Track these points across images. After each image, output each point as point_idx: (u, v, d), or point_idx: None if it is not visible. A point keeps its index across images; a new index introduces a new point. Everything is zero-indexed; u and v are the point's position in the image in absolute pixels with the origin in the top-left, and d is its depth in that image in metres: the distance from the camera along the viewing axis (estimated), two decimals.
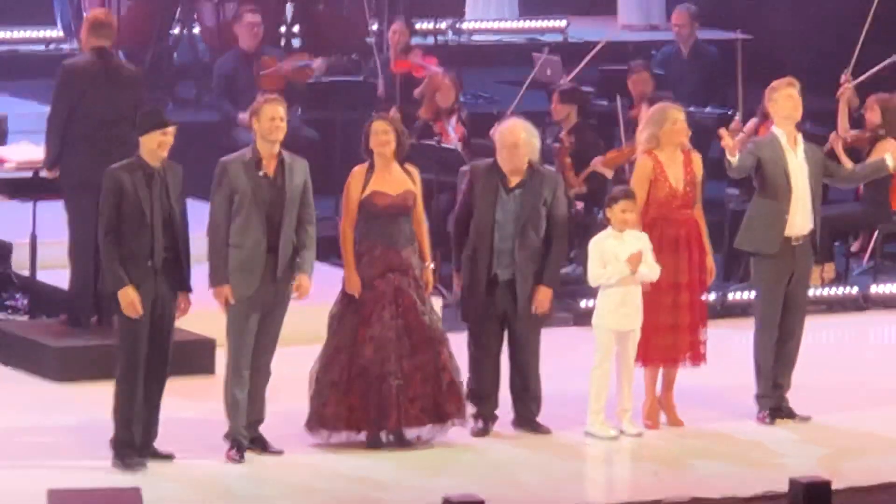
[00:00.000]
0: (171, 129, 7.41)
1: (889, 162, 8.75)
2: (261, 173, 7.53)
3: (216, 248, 7.66)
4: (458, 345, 8.36)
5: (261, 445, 7.82)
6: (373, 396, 8.01)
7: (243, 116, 10.66)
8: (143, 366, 7.55)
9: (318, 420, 7.97)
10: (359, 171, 8.02)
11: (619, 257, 8.07)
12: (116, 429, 7.55)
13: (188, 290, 7.58)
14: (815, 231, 8.59)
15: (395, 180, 7.93)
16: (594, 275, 8.16)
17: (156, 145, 7.35)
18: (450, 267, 8.65)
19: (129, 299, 7.23)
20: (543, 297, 8.08)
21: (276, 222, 7.55)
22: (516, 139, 8.22)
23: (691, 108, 10.23)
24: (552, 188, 8.23)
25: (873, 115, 11.30)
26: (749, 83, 10.79)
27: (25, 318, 9.44)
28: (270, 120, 7.49)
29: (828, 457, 8.30)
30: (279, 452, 7.84)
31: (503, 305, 8.09)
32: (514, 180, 8.14)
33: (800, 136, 8.52)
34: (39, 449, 7.96)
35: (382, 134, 7.82)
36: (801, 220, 8.38)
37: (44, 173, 9.22)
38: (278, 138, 7.54)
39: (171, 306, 7.56)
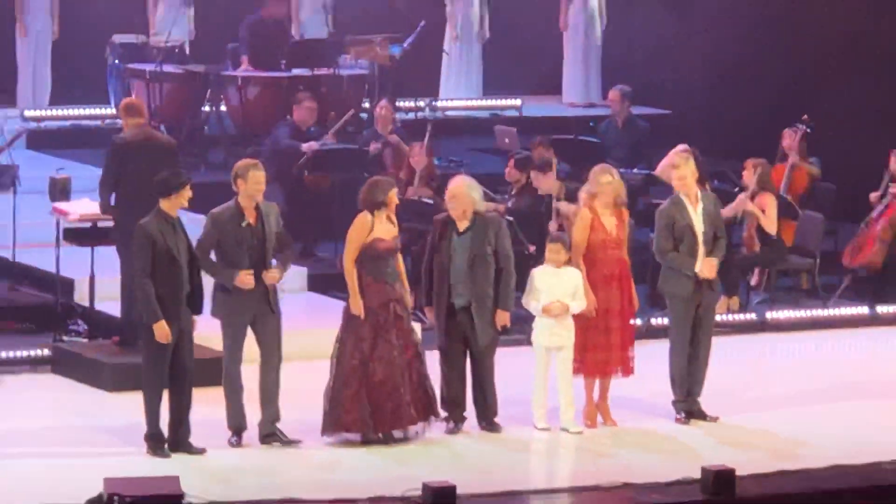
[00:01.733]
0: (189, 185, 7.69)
1: (696, 268, 8.48)
2: (244, 224, 7.70)
3: (216, 283, 7.78)
4: (432, 360, 8.33)
5: (279, 438, 7.84)
6: (388, 405, 8.10)
7: (308, 145, 10.90)
8: (169, 378, 7.60)
9: (338, 425, 8.05)
10: (366, 219, 8.12)
11: (550, 290, 8.21)
12: (148, 427, 7.66)
13: (199, 313, 7.69)
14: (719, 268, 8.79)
15: (388, 228, 8.08)
16: (525, 300, 8.30)
17: (185, 200, 7.50)
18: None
19: (164, 331, 7.36)
20: (501, 318, 8.18)
21: (259, 259, 7.69)
22: (454, 192, 8.40)
23: (622, 170, 10.22)
24: (495, 230, 8.31)
25: (748, 175, 11.09)
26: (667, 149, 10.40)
27: (85, 340, 9.40)
28: (257, 184, 7.68)
29: (733, 449, 8.28)
30: (297, 442, 7.88)
31: (463, 329, 8.17)
32: (462, 225, 8.23)
33: (700, 194, 8.52)
34: (97, 444, 8.04)
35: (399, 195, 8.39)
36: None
37: (97, 212, 9.03)
38: (259, 199, 7.71)
39: (190, 328, 7.59)
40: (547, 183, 10.51)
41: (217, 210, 7.92)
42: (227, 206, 7.87)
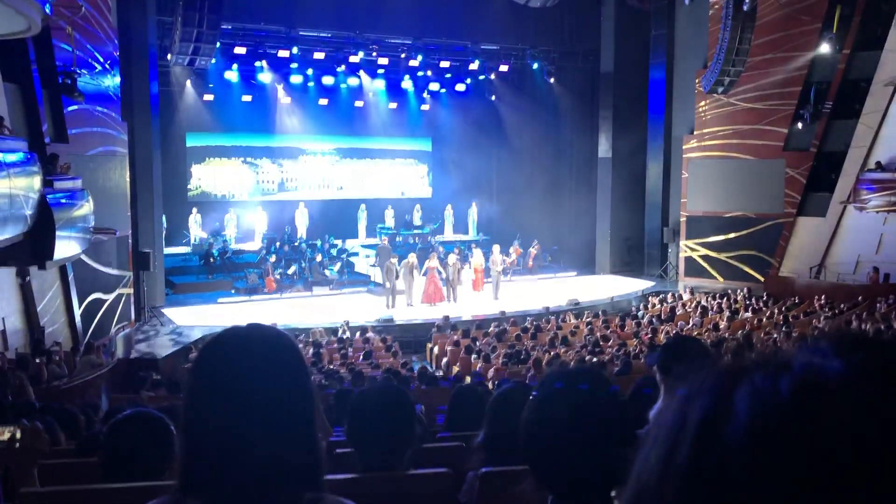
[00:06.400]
0: None
1: (498, 269, 14.26)
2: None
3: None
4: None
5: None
6: (434, 295, 14.83)
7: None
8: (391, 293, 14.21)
9: (425, 299, 15.32)
10: (431, 260, 14.74)
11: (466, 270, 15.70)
12: (387, 307, 13.51)
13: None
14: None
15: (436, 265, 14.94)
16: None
17: None
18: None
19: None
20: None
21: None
22: (449, 261, 14.68)
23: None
24: (458, 265, 14.86)
25: (517, 250, 17.08)
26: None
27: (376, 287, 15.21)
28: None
29: (508, 306, 14.16)
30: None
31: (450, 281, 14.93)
32: (452, 260, 15.09)
33: (500, 253, 15.08)
34: (375, 308, 14.71)
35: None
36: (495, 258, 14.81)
37: None
38: None
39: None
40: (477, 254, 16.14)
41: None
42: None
